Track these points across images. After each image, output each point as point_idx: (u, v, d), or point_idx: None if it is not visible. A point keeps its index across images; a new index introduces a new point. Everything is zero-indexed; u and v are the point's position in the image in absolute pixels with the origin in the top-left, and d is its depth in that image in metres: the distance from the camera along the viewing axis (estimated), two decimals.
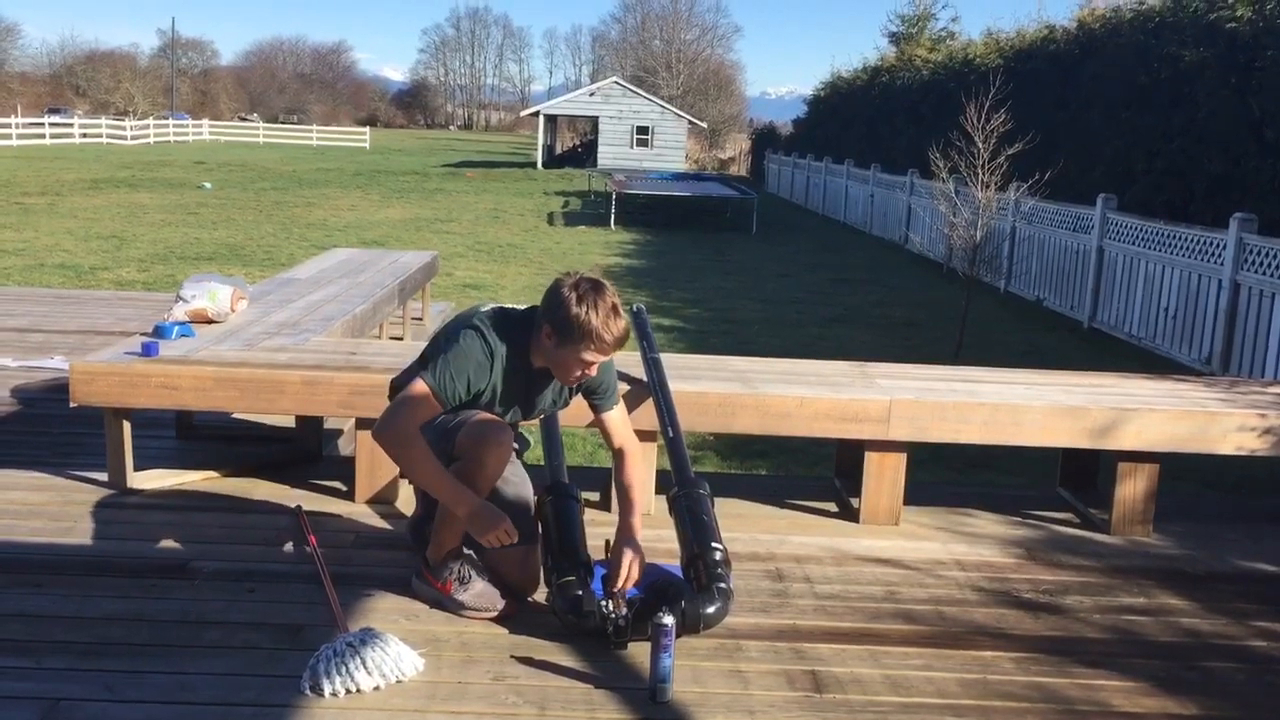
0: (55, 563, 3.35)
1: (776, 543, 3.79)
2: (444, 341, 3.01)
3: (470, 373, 2.96)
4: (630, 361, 4.23)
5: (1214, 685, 2.92)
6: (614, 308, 2.90)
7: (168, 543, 3.54)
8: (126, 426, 3.94)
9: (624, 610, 2.93)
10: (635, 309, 4.48)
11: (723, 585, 3.04)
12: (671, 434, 3.60)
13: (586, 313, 2.86)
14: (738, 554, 3.41)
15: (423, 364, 3.02)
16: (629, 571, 3.04)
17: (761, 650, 2.98)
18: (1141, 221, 10.27)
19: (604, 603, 2.94)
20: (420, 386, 2.92)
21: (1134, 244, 10.31)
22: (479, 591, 3.09)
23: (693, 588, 3.05)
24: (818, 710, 2.68)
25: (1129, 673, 2.95)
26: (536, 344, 3.01)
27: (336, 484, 4.14)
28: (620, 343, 2.94)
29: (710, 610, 2.99)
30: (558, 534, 3.11)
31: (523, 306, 3.13)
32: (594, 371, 3.01)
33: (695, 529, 3.16)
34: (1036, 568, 3.70)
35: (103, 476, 4.01)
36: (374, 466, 3.94)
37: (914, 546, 3.83)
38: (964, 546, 3.87)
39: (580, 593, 2.97)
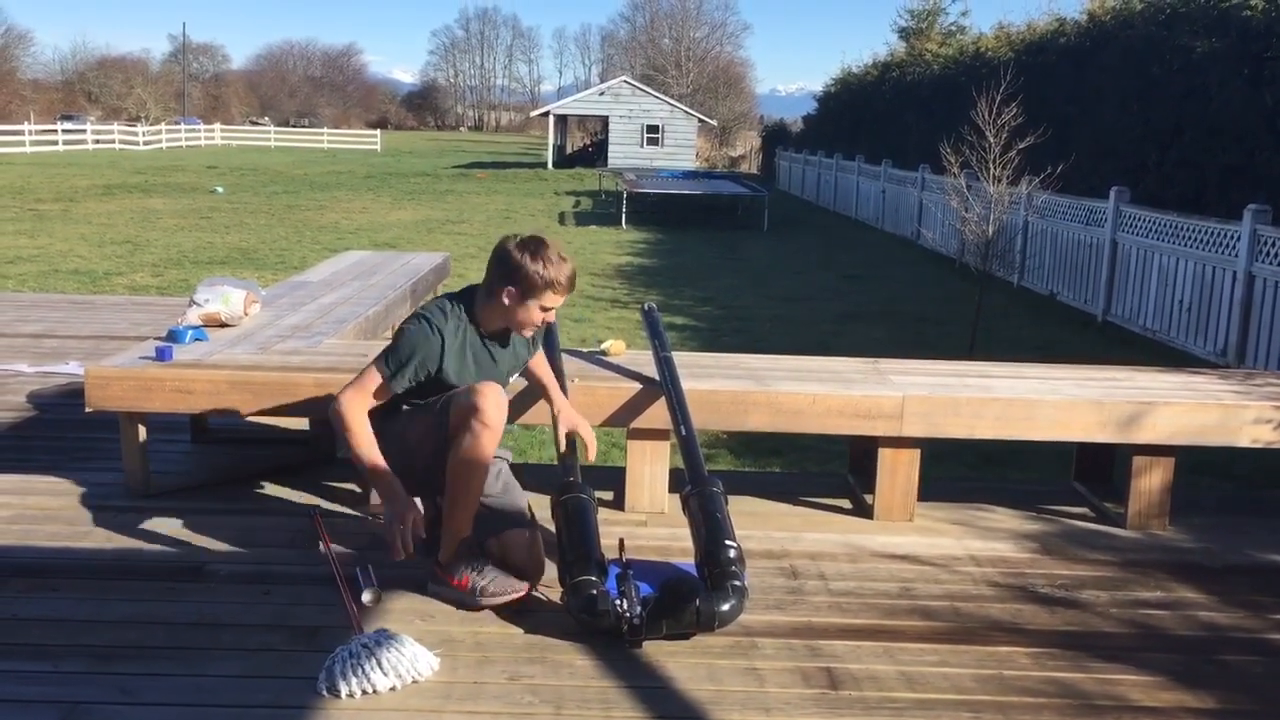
0: (72, 567, 3.37)
1: (791, 540, 3.79)
2: (395, 334, 3.28)
3: (418, 357, 3.20)
4: (642, 360, 4.24)
5: (1232, 679, 2.90)
6: (560, 254, 3.26)
7: (183, 546, 3.56)
8: (142, 430, 3.96)
9: (639, 609, 2.93)
10: (646, 307, 4.48)
11: (737, 583, 3.04)
12: (685, 432, 3.59)
13: (544, 265, 3.20)
14: (752, 551, 3.41)
15: (381, 356, 3.27)
16: (588, 438, 3.54)
17: (777, 648, 2.98)
18: (1155, 214, 10.22)
19: (619, 602, 2.95)
20: (372, 372, 3.22)
21: (1148, 237, 10.26)
22: (496, 577, 3.14)
23: (707, 585, 3.05)
24: (833, 707, 2.68)
25: (1146, 667, 2.94)
26: (487, 311, 3.29)
27: (351, 486, 4.15)
28: (573, 284, 3.29)
29: (725, 608, 2.99)
30: (571, 534, 3.14)
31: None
32: (552, 317, 3.34)
33: (709, 527, 3.16)
34: (1052, 562, 3.69)
35: (118, 480, 4.03)
36: None
37: (928, 542, 3.82)
38: (979, 542, 3.85)
39: (595, 592, 2.98)
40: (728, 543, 3.12)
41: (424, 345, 3.20)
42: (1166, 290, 9.85)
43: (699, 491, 3.28)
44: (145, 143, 48.53)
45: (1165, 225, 9.96)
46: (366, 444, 3.18)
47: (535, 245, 3.23)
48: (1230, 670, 2.95)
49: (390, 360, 3.21)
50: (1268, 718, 2.71)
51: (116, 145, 46.61)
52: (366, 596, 3.15)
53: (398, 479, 3.15)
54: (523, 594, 3.15)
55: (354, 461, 3.23)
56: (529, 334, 3.42)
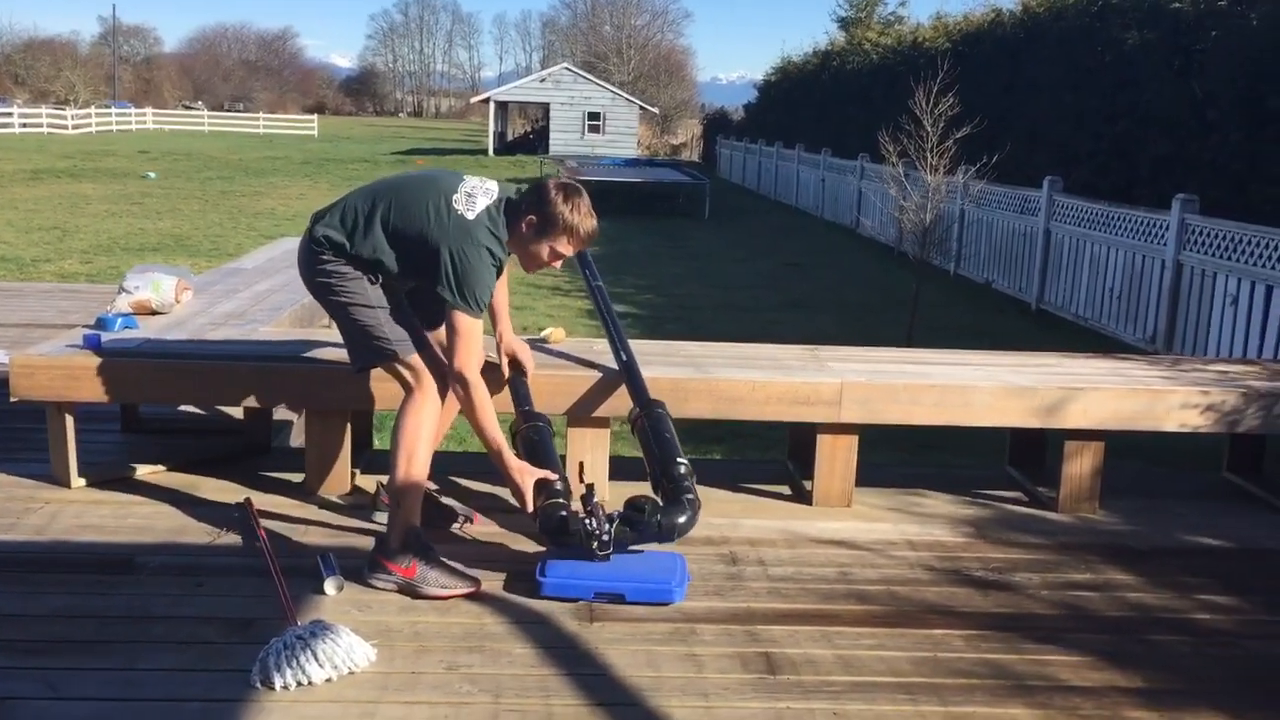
0: None
1: (730, 526, 3.81)
2: (461, 265, 3.13)
3: (489, 289, 3.20)
4: (581, 347, 4.23)
5: (1159, 658, 2.97)
6: (590, 209, 3.25)
7: (113, 538, 3.48)
8: (70, 421, 3.87)
9: (607, 525, 3.12)
10: None
11: (690, 496, 3.25)
12: (625, 358, 3.79)
13: (571, 210, 3.19)
14: (691, 538, 3.42)
15: (453, 293, 3.13)
16: (527, 362, 3.68)
17: (716, 633, 2.99)
18: (1087, 203, 10.40)
19: (587, 521, 3.13)
20: (464, 323, 3.13)
21: (1080, 225, 10.44)
22: (444, 570, 3.15)
23: (661, 501, 3.26)
24: (771, 691, 2.70)
25: (1077, 647, 3.00)
26: (514, 235, 3.24)
27: (287, 476, 4.09)
28: (590, 239, 3.29)
29: (681, 520, 3.21)
30: (535, 461, 3.35)
31: (495, 192, 3.27)
32: (558, 264, 3.31)
33: (660, 446, 3.41)
34: (986, 546, 3.75)
35: (46, 472, 3.94)
36: (324, 457, 3.90)
37: (866, 528, 3.86)
38: (915, 526, 3.90)
39: (565, 514, 3.18)
40: (679, 460, 3.35)
41: (489, 276, 3.18)
42: (1098, 278, 10.03)
43: (647, 413, 3.52)
44: (74, 127, 47.40)
45: (1097, 214, 10.13)
46: (491, 416, 3.21)
47: (571, 190, 3.23)
48: (1158, 650, 3.02)
49: (472, 299, 3.13)
50: (1194, 696, 2.78)
51: (44, 129, 45.45)
52: (330, 587, 3.11)
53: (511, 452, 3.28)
54: (473, 590, 3.14)
55: (477, 433, 3.25)
56: (530, 270, 3.37)
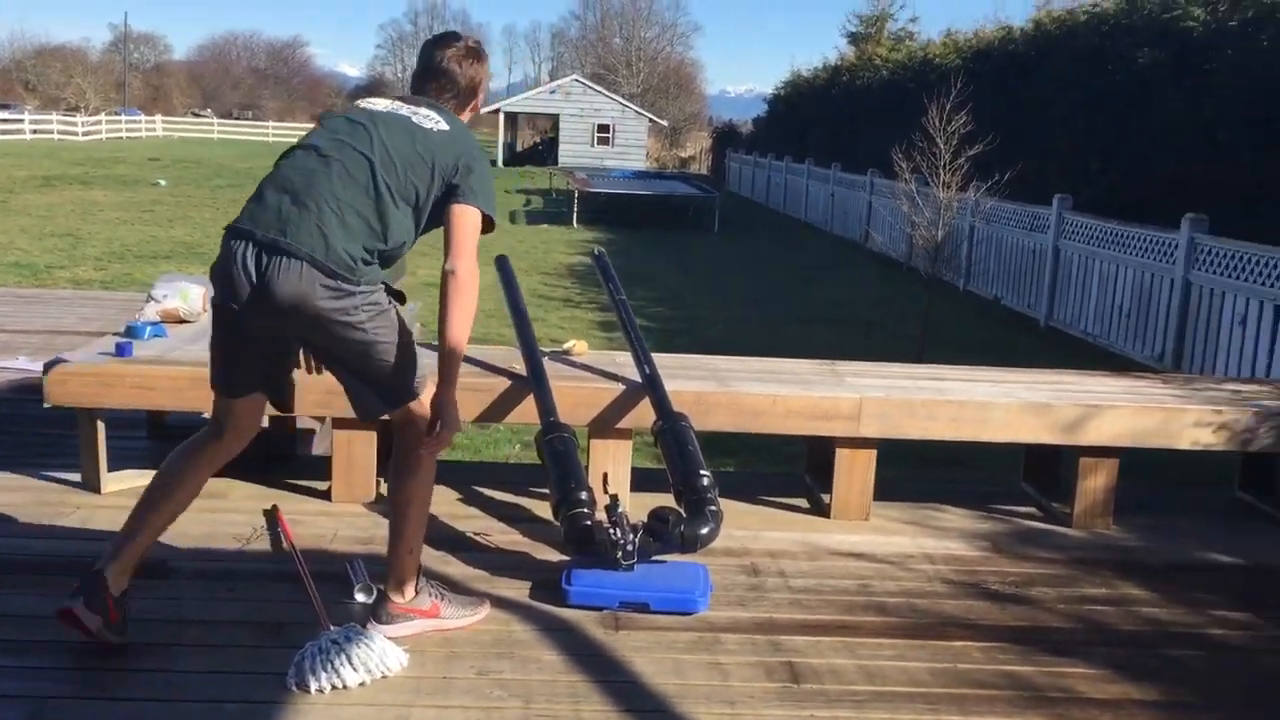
0: (33, 563, 3.35)
1: (750, 538, 3.86)
2: (481, 172, 2.86)
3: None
4: (604, 360, 4.29)
5: (1174, 671, 3.02)
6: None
7: None
8: (100, 427, 3.93)
9: (631, 535, 3.18)
10: (596, 252, 4.72)
11: (713, 508, 3.31)
12: (648, 371, 3.84)
13: (480, 59, 3.01)
14: (712, 549, 3.48)
15: (487, 201, 2.84)
16: (438, 441, 2.85)
17: (739, 643, 3.05)
18: (1096, 221, 10.46)
19: (612, 530, 3.18)
20: (477, 222, 2.81)
21: (1089, 243, 10.50)
22: (458, 599, 3.08)
23: (684, 512, 3.32)
24: (795, 700, 2.75)
25: (1093, 660, 3.05)
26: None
27: (312, 483, 4.15)
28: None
29: (704, 531, 3.28)
30: (560, 470, 3.39)
31: (421, 103, 2.93)
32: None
33: (683, 458, 3.47)
34: (1002, 560, 3.80)
35: (76, 477, 4.01)
36: (350, 465, 3.97)
37: (884, 541, 3.92)
38: (932, 540, 3.96)
39: (590, 523, 3.24)
40: (702, 472, 3.41)
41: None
42: (1107, 296, 10.08)
43: (670, 426, 3.58)
44: (84, 133, 47.62)
45: (1106, 232, 10.19)
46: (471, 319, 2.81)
47: (470, 52, 2.99)
48: (1172, 663, 3.07)
49: (489, 201, 2.85)
50: (1208, 709, 2.83)
51: (55, 135, 45.67)
52: (360, 594, 3.09)
53: None
54: (485, 614, 3.11)
55: (447, 335, 2.75)
56: None
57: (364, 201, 2.70)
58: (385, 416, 2.97)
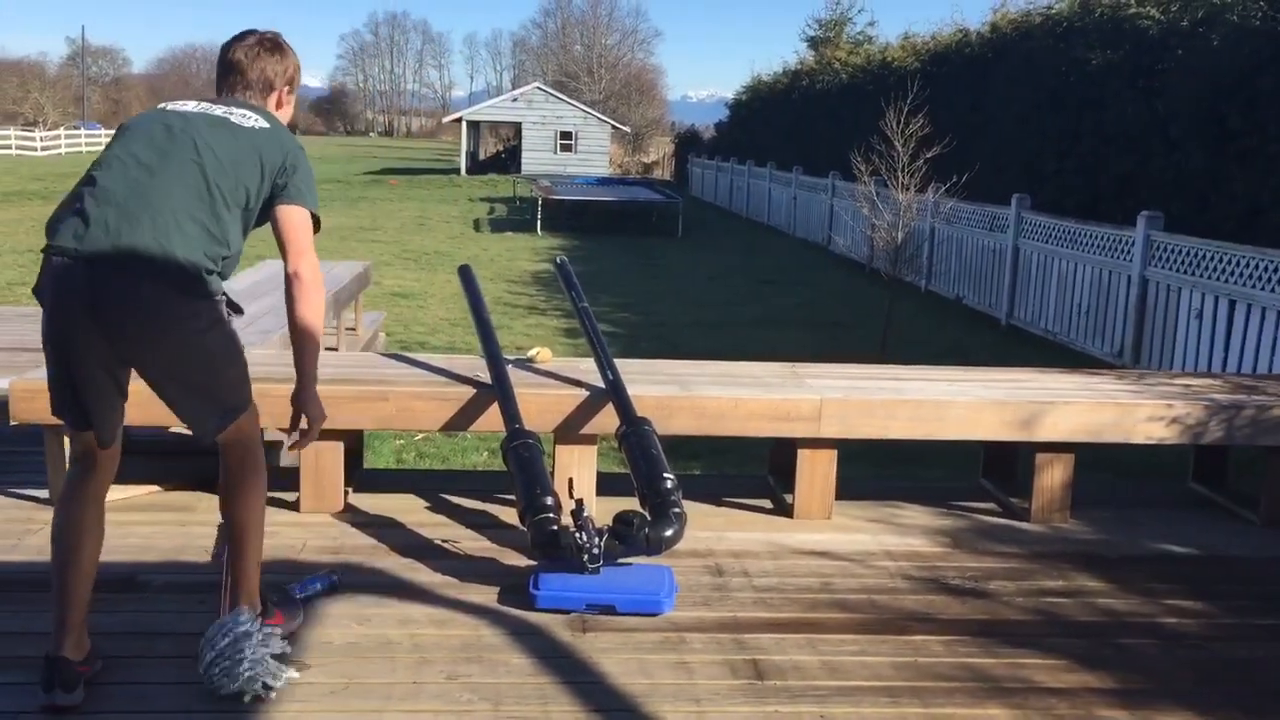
0: (2, 580, 3.35)
1: (715, 539, 3.92)
2: (301, 166, 2.81)
3: None
4: (568, 367, 4.34)
5: (1130, 660, 3.10)
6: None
7: (114, 557, 3.53)
8: (67, 443, 3.92)
9: (597, 539, 3.23)
10: (559, 260, 4.75)
11: (677, 510, 3.37)
12: (611, 376, 3.90)
13: (277, 52, 2.91)
14: (677, 550, 3.53)
15: (312, 197, 2.82)
16: (308, 433, 2.97)
17: (705, 642, 3.10)
18: (1054, 220, 10.61)
19: (578, 535, 3.23)
20: (309, 222, 2.81)
21: (1047, 242, 10.65)
22: (289, 611, 3.07)
23: (649, 515, 3.37)
24: (760, 696, 2.81)
25: (1051, 651, 3.13)
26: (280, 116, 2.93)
27: (279, 495, 4.16)
28: None
29: (669, 533, 3.34)
30: (526, 476, 3.44)
31: (230, 104, 2.83)
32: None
33: (646, 462, 3.53)
34: (962, 555, 3.88)
35: (44, 494, 4.01)
36: (319, 476, 3.99)
37: (846, 539, 3.98)
38: (893, 537, 4.03)
39: (556, 528, 3.28)
40: (665, 475, 3.47)
41: None
42: (1066, 294, 10.23)
43: (634, 431, 3.65)
44: (43, 148, 47.16)
45: (1064, 231, 10.35)
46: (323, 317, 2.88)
47: (267, 44, 2.90)
48: (1128, 653, 3.15)
49: (315, 200, 2.82)
50: (1163, 696, 2.91)
51: (13, 151, 45.20)
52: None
53: None
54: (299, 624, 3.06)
55: (301, 335, 2.82)
56: None
57: (199, 207, 2.61)
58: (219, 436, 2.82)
